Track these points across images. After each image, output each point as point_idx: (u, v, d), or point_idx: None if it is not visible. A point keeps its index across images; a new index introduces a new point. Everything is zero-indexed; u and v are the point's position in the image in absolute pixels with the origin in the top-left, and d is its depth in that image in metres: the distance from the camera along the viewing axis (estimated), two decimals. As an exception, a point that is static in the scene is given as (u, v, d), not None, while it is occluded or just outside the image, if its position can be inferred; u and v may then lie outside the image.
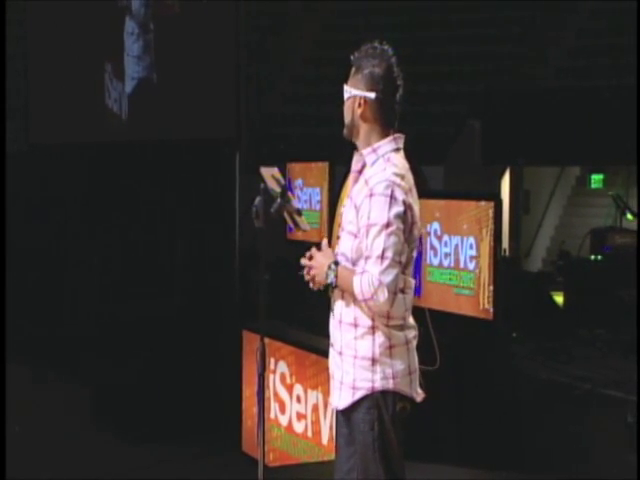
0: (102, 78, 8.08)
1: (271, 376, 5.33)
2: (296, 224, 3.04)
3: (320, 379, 4.97)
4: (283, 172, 5.41)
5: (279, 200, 2.75)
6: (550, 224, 12.18)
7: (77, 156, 8.29)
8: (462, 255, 5.03)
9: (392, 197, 2.53)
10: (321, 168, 6.04)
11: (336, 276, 2.59)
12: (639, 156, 7.36)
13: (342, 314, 2.64)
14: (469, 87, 10.26)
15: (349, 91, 2.68)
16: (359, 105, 2.67)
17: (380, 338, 2.60)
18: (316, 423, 4.98)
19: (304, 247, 6.85)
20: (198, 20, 7.22)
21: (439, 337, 5.00)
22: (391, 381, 2.59)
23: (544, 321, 5.91)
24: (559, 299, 6.60)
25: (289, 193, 2.89)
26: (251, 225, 2.99)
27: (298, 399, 5.15)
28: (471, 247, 4.99)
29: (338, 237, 2.69)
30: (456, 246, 5.04)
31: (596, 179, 11.74)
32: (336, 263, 2.60)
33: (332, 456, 4.82)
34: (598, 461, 4.50)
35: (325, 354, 4.98)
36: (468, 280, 5.01)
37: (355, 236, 2.60)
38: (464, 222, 5.03)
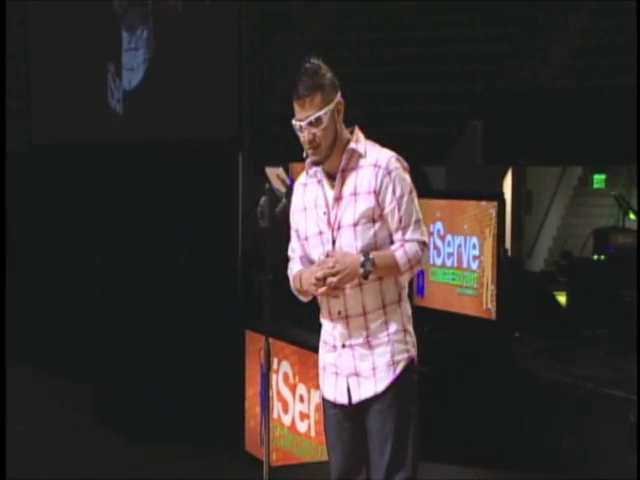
0: (105, 78, 8.08)
1: (274, 376, 5.34)
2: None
3: (323, 379, 4.97)
4: (286, 172, 5.41)
5: (284, 200, 2.76)
6: (552, 224, 12.20)
7: (79, 156, 8.29)
8: (465, 255, 5.04)
9: (403, 167, 2.70)
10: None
11: (374, 264, 2.60)
12: (639, 156, 7.37)
13: (366, 305, 2.67)
14: (470, 87, 10.26)
15: (326, 112, 2.65)
16: (338, 112, 2.71)
17: (405, 308, 2.74)
18: (319, 423, 4.98)
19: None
20: (201, 20, 7.22)
21: (442, 337, 5.01)
22: (415, 347, 2.75)
23: (547, 321, 5.90)
24: (562, 299, 6.59)
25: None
26: (253, 225, 3.00)
27: (301, 399, 5.16)
28: (474, 247, 5.00)
29: (333, 241, 2.68)
30: (459, 246, 5.05)
31: (598, 179, 11.75)
32: (366, 253, 2.62)
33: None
34: (600, 461, 4.50)
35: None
36: (471, 280, 5.02)
37: (374, 222, 2.66)
38: (467, 222, 5.03)
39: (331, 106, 2.66)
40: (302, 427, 5.16)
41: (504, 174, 10.73)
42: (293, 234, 2.83)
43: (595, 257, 6.81)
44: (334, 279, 2.60)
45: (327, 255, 2.66)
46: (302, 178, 2.81)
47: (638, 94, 7.54)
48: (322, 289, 2.62)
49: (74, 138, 8.40)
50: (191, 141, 7.29)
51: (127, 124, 7.94)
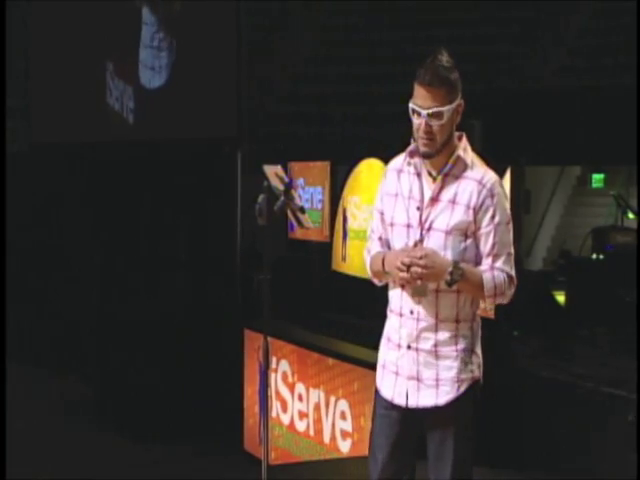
0: (103, 77, 8.07)
1: (273, 375, 5.34)
2: (299, 222, 3.04)
3: (322, 378, 4.98)
4: (285, 171, 5.41)
5: (282, 198, 2.74)
6: (551, 224, 12.19)
7: (78, 155, 8.28)
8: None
9: (505, 194, 2.67)
10: (322, 167, 6.05)
11: (462, 276, 2.55)
12: (639, 156, 7.36)
13: (440, 313, 2.62)
14: (469, 86, 10.24)
15: (449, 109, 2.61)
16: (457, 114, 2.68)
17: (477, 329, 2.69)
18: (318, 422, 4.99)
19: (306, 246, 6.87)
20: (199, 19, 7.21)
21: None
22: (480, 370, 2.70)
23: (546, 320, 5.91)
24: (560, 298, 6.59)
25: (292, 191, 2.88)
26: (252, 224, 2.99)
27: (300, 398, 5.16)
28: (473, 246, 4.99)
29: (421, 240, 2.62)
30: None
31: (597, 178, 11.75)
32: (458, 262, 2.56)
33: (334, 454, 4.83)
34: (599, 460, 4.50)
35: (326, 353, 5.00)
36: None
37: (466, 237, 2.61)
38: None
39: (454, 105, 2.63)
40: (301, 426, 5.16)
41: (503, 174, 10.71)
42: (377, 215, 2.75)
43: (594, 256, 6.81)
44: (419, 270, 2.53)
45: (415, 245, 2.60)
46: (397, 163, 2.74)
47: (638, 94, 7.53)
48: (404, 274, 2.55)
49: (72, 137, 8.39)
50: (190, 140, 7.28)
51: (127, 122, 7.93)
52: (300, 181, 6.26)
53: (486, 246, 2.61)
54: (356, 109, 10.27)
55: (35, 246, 8.55)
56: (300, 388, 5.17)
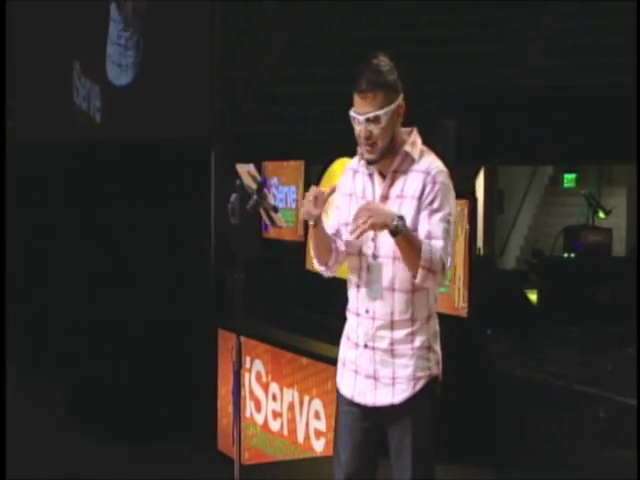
0: (70, 76, 8.01)
1: (247, 375, 5.33)
2: (272, 220, 3.03)
3: (296, 377, 4.97)
4: (258, 171, 5.40)
5: (255, 197, 2.73)
6: (524, 223, 12.28)
7: (48, 156, 8.21)
8: (437, 253, 5.05)
9: (449, 186, 2.65)
10: (296, 167, 6.05)
11: (405, 227, 2.52)
12: (639, 156, 7.42)
13: (395, 313, 2.62)
14: (443, 86, 10.30)
15: (386, 112, 2.63)
16: (398, 115, 2.69)
17: (433, 327, 2.69)
18: (292, 421, 4.98)
19: (280, 246, 6.85)
20: (170, 19, 7.18)
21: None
22: (439, 367, 2.70)
23: (518, 319, 5.96)
24: (533, 297, 6.65)
25: (265, 190, 2.88)
26: (226, 224, 2.97)
27: (274, 397, 5.15)
28: (446, 245, 5.01)
29: (373, 239, 2.63)
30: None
31: (569, 178, 11.85)
32: (402, 216, 2.54)
33: (308, 454, 4.83)
34: (572, 457, 4.54)
35: (300, 352, 5.00)
36: (443, 278, 5.03)
37: (415, 230, 2.59)
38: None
39: (392, 107, 2.64)
40: (275, 426, 5.15)
41: (476, 173, 10.78)
42: (334, 213, 2.75)
43: (565, 255, 6.88)
44: (362, 221, 2.50)
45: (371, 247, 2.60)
46: (354, 163, 2.76)
47: (638, 94, 7.55)
48: (351, 228, 2.55)
49: (40, 137, 8.31)
50: (163, 140, 7.24)
51: (95, 122, 7.87)
52: (274, 180, 6.25)
53: (423, 229, 2.59)
54: (330, 109, 10.28)
55: (9, 245, 8.46)
56: (274, 388, 5.16)
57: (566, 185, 12.04)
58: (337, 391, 2.78)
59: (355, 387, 2.69)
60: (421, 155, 2.69)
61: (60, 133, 8.16)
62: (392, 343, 2.63)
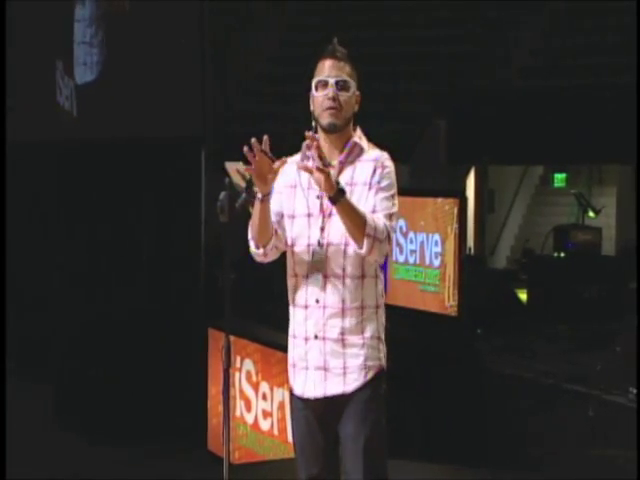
0: (53, 76, 7.98)
1: (237, 374, 5.32)
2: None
3: (286, 377, 4.96)
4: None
5: (244, 195, 2.72)
6: (514, 223, 12.30)
7: (32, 155, 8.17)
8: (427, 252, 5.07)
9: (394, 172, 2.68)
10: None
11: (345, 194, 2.52)
12: (639, 156, 7.44)
13: (346, 300, 2.62)
14: (434, 86, 10.31)
15: (354, 84, 2.67)
16: (357, 102, 2.71)
17: (381, 317, 2.70)
18: (282, 421, 4.98)
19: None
20: (161, 18, 7.17)
21: (404, 334, 5.03)
22: (385, 359, 2.70)
23: (508, 318, 5.97)
24: (523, 296, 6.66)
25: (254, 188, 2.87)
26: (217, 223, 2.97)
27: (264, 397, 5.15)
28: (436, 244, 5.03)
29: (323, 227, 2.64)
30: (421, 243, 5.08)
31: (559, 178, 11.87)
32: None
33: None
34: (561, 455, 4.55)
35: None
36: (433, 277, 5.05)
37: None
38: (429, 219, 5.06)
39: (355, 84, 2.68)
40: (265, 425, 5.15)
41: (467, 173, 10.80)
42: (275, 198, 2.71)
43: (555, 254, 6.89)
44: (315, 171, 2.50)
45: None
46: (296, 158, 2.75)
47: (638, 94, 7.54)
48: (303, 164, 2.56)
49: (22, 137, 8.27)
50: (154, 139, 7.23)
51: (79, 121, 7.85)
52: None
53: (368, 204, 2.61)
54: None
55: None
56: (264, 387, 5.16)
57: (556, 185, 12.05)
58: (290, 395, 2.75)
59: (306, 382, 2.67)
60: (369, 147, 2.72)
61: (44, 133, 8.13)
62: (343, 332, 2.63)
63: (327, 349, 2.64)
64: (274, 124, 10.40)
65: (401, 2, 11.56)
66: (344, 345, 2.63)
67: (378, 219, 2.58)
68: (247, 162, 2.66)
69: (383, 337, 2.70)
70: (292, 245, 2.69)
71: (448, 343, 5.09)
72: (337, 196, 2.51)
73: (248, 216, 2.94)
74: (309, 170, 2.56)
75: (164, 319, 6.47)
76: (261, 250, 2.71)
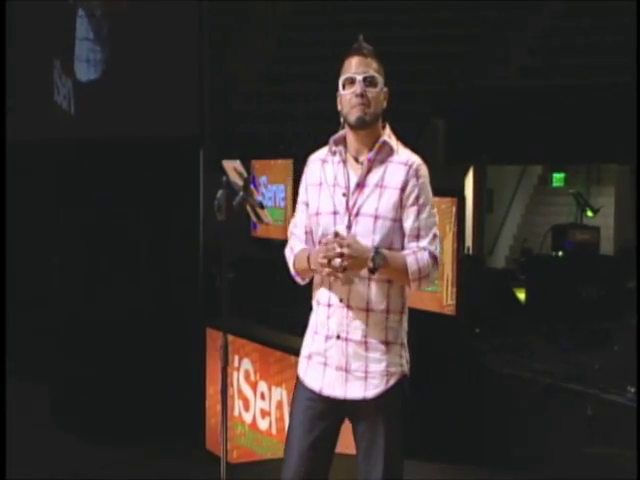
0: (51, 75, 7.98)
1: (235, 373, 5.32)
2: (259, 217, 3.03)
3: (284, 376, 4.97)
4: (247, 169, 5.40)
5: (241, 193, 2.72)
6: (513, 222, 12.32)
7: (31, 155, 8.17)
8: (425, 251, 5.06)
9: (428, 180, 2.64)
10: (285, 165, 6.04)
11: (384, 260, 2.50)
12: (639, 156, 7.44)
13: (370, 302, 2.57)
14: (432, 86, 10.32)
15: (381, 80, 2.64)
16: (385, 98, 2.69)
17: (405, 323, 2.66)
18: (280, 420, 4.98)
19: (269, 245, 6.85)
20: (159, 18, 7.17)
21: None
22: (408, 365, 2.66)
23: (507, 317, 5.97)
24: (521, 295, 6.67)
25: (251, 186, 2.87)
26: (215, 223, 2.97)
27: (262, 396, 5.15)
28: (434, 243, 5.02)
29: (349, 226, 2.57)
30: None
31: (557, 178, 11.89)
32: (377, 248, 2.51)
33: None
34: (559, 454, 4.55)
35: (288, 350, 4.99)
36: (431, 276, 5.04)
37: (394, 220, 2.57)
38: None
39: (383, 81, 2.65)
40: (263, 425, 5.15)
41: (465, 173, 10.81)
42: (302, 208, 2.69)
43: (553, 254, 6.90)
44: (341, 261, 2.46)
45: (335, 235, 2.52)
46: (320, 154, 2.70)
47: (638, 94, 7.54)
48: (327, 269, 2.49)
49: (20, 136, 8.27)
50: (152, 138, 7.23)
51: (77, 120, 7.84)
52: (263, 179, 6.25)
53: (410, 226, 2.57)
54: (319, 107, 10.28)
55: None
56: (262, 386, 5.16)
57: (555, 184, 12.08)
58: (297, 385, 2.68)
59: (324, 379, 2.61)
60: (398, 147, 2.67)
61: (42, 132, 8.13)
62: (366, 335, 2.57)
63: (349, 350, 2.58)
64: (273, 124, 10.41)
65: (400, 2, 11.57)
66: (367, 348, 2.58)
67: (421, 256, 2.54)
68: (246, 162, 2.66)
69: (406, 343, 2.66)
70: (319, 242, 2.63)
71: (446, 342, 5.09)
72: (377, 264, 2.49)
73: (247, 216, 2.94)
74: (335, 274, 2.52)
75: (163, 319, 6.47)
76: (304, 281, 2.74)
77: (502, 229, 12.07)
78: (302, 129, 9.60)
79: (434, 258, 2.57)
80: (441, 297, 4.97)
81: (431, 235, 2.58)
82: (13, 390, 6.80)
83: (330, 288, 2.61)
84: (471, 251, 9.03)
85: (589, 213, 7.53)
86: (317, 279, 2.67)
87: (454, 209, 4.89)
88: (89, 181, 7.47)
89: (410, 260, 2.53)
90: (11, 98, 8.40)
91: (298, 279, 2.74)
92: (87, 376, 6.48)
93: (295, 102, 10.58)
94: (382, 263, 2.50)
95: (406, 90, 10.50)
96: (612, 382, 4.52)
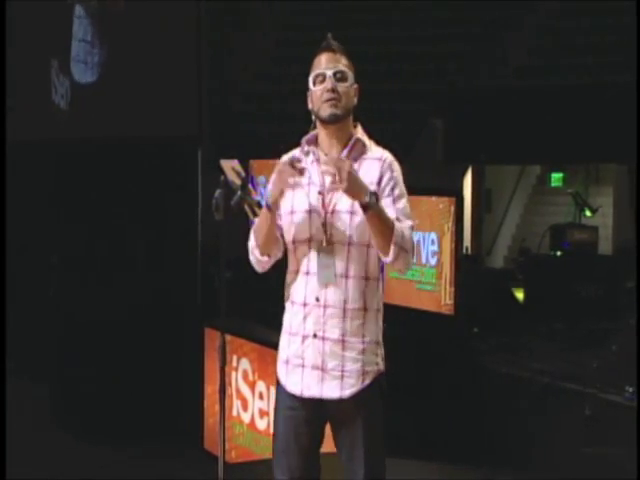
0: (48, 74, 7.98)
1: (233, 373, 5.32)
2: (256, 216, 3.02)
3: (282, 375, 4.97)
4: (246, 169, 5.39)
5: (239, 192, 2.72)
6: (511, 222, 12.31)
7: (28, 154, 8.17)
8: (424, 251, 5.07)
9: (401, 174, 2.64)
10: (283, 165, 6.03)
11: (377, 203, 2.49)
12: (638, 156, 7.44)
13: (347, 300, 2.57)
14: (431, 86, 10.32)
15: (351, 75, 2.64)
16: (355, 94, 2.68)
17: (380, 321, 2.66)
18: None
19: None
20: (158, 18, 7.17)
21: (401, 333, 5.04)
22: (384, 362, 2.66)
23: (505, 317, 5.98)
24: (520, 295, 6.67)
25: (249, 186, 2.87)
26: (213, 223, 2.96)
27: (260, 396, 5.15)
28: (433, 243, 5.03)
29: (324, 223, 2.57)
30: (418, 242, 5.08)
31: (556, 177, 11.88)
32: (374, 192, 2.51)
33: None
34: (557, 454, 4.56)
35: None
36: (430, 276, 5.05)
37: None
38: (425, 218, 5.06)
39: (353, 76, 2.64)
40: (261, 424, 5.15)
41: (464, 173, 10.81)
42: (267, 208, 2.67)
43: (551, 253, 6.90)
44: (338, 178, 2.44)
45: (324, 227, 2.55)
46: (293, 154, 2.70)
47: (638, 94, 7.54)
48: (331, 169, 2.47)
49: (18, 136, 8.27)
50: (150, 138, 7.24)
51: (75, 120, 7.85)
52: (261, 178, 6.25)
53: (389, 214, 2.56)
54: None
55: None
56: (261, 386, 5.16)
57: (553, 184, 12.06)
58: (278, 392, 2.67)
59: (303, 381, 2.60)
60: (371, 144, 2.68)
61: (40, 132, 8.13)
62: (344, 334, 2.57)
63: (326, 349, 2.57)
64: (271, 124, 10.40)
65: (399, 2, 11.57)
66: (344, 347, 2.57)
67: (405, 229, 2.55)
68: (245, 162, 2.66)
69: (381, 341, 2.66)
70: (293, 242, 2.63)
71: (444, 342, 5.09)
72: (372, 202, 2.48)
73: (245, 216, 2.93)
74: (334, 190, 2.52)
75: (161, 319, 6.47)
76: (266, 258, 2.68)
77: (500, 229, 12.06)
78: (301, 129, 9.61)
79: (412, 244, 2.59)
80: (439, 297, 4.98)
81: (410, 222, 2.59)
82: (13, 390, 6.80)
83: (306, 288, 2.60)
84: (469, 251, 9.04)
85: (588, 213, 7.54)
86: (290, 279, 2.67)
87: (452, 209, 4.90)
88: (88, 181, 7.47)
89: (396, 224, 2.55)
90: (11, 98, 8.40)
91: (264, 259, 2.68)
92: (87, 376, 6.48)
93: (293, 102, 10.58)
94: (375, 206, 2.49)
95: (405, 90, 10.50)
96: (610, 382, 4.53)
